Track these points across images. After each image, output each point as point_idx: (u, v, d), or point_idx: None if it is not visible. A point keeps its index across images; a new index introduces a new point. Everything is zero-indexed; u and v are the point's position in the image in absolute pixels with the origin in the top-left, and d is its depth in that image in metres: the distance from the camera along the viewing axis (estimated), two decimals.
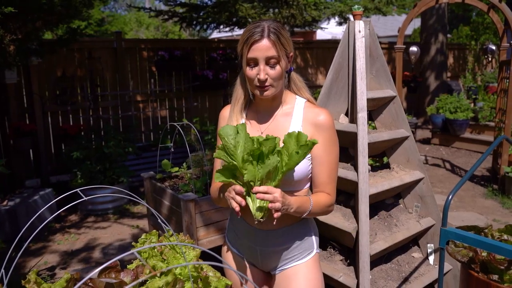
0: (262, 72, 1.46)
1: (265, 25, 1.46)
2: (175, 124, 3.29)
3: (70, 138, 5.65)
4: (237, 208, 1.37)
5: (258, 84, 1.49)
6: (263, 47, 1.44)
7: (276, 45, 1.45)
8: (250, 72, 1.49)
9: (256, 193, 1.34)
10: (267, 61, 1.46)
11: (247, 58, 1.48)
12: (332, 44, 9.64)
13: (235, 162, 1.36)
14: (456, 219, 4.45)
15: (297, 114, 1.58)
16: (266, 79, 1.47)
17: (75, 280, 1.30)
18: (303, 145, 1.36)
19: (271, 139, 1.36)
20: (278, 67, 1.47)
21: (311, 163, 1.56)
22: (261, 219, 1.38)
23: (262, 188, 1.34)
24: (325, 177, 1.56)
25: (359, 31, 2.12)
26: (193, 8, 7.41)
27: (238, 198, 1.37)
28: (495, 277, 1.62)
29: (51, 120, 5.99)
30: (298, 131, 1.37)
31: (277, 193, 1.34)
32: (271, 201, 1.33)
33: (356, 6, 2.18)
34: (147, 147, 6.53)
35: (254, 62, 1.48)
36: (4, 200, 4.32)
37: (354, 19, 2.16)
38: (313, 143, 1.37)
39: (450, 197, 1.56)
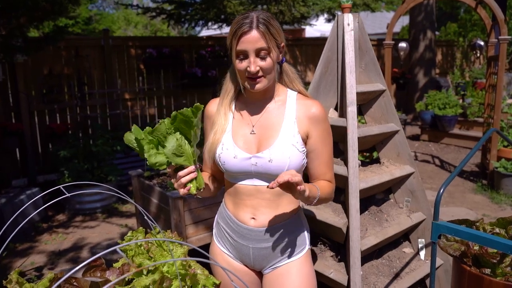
0: (253, 65, 1.41)
1: (253, 16, 1.41)
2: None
3: (57, 137, 5.57)
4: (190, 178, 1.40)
5: (249, 76, 1.45)
6: (252, 39, 1.39)
7: (266, 36, 1.40)
8: (240, 65, 1.44)
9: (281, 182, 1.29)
10: (257, 53, 1.41)
11: (237, 50, 1.42)
12: (321, 41, 9.64)
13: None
14: (446, 214, 4.46)
15: (290, 107, 1.54)
16: (258, 71, 1.43)
17: (59, 279, 1.26)
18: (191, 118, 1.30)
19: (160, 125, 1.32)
20: (269, 59, 1.42)
21: (308, 156, 1.55)
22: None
23: (291, 172, 1.31)
24: (324, 168, 1.56)
25: (348, 24, 2.09)
26: (181, 5, 7.36)
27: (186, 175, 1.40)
28: (488, 270, 1.61)
29: (37, 119, 5.89)
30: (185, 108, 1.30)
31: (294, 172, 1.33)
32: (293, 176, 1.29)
33: None
34: None
35: (244, 55, 1.42)
36: None
37: (343, 12, 2.14)
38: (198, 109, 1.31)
39: (442, 190, 1.55)
